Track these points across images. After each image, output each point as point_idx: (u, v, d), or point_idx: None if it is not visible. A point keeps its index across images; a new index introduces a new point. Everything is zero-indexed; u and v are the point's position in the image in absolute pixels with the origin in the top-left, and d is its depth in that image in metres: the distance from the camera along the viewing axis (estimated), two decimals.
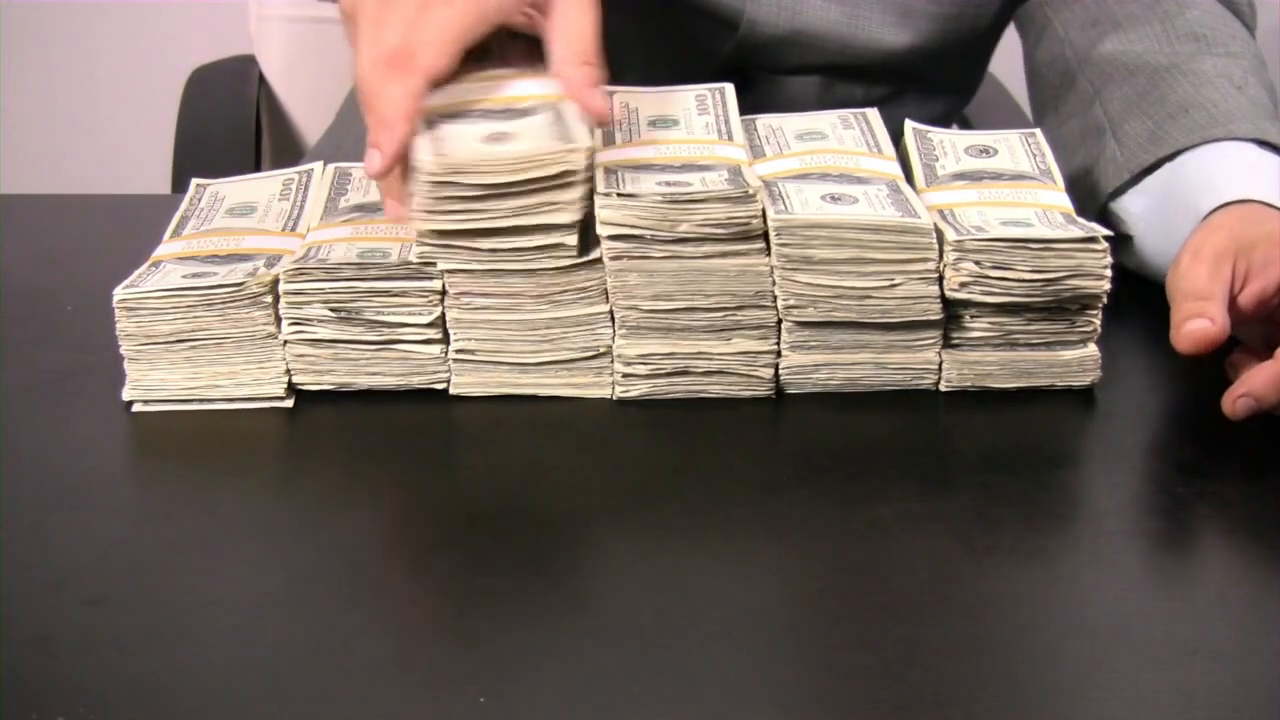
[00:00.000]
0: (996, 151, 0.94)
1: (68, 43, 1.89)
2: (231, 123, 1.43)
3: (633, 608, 0.68)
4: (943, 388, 0.86)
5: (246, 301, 0.83)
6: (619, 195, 0.82)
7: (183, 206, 0.94)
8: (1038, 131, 0.96)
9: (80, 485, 0.78)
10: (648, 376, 0.85)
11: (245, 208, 0.93)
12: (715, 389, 0.85)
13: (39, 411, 0.84)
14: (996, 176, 0.91)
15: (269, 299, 0.83)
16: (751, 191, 0.82)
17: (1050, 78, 1.12)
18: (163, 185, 1.41)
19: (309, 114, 1.51)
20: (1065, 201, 0.89)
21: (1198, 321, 0.83)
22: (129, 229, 1.00)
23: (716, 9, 1.13)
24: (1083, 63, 1.08)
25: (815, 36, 1.14)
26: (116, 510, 0.77)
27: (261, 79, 1.53)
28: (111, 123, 1.95)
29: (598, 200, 0.82)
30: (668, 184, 0.84)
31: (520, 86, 0.87)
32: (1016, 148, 0.94)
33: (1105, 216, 1.00)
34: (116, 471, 0.81)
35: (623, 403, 0.85)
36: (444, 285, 0.84)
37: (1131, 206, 0.99)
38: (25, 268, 1.01)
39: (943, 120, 1.00)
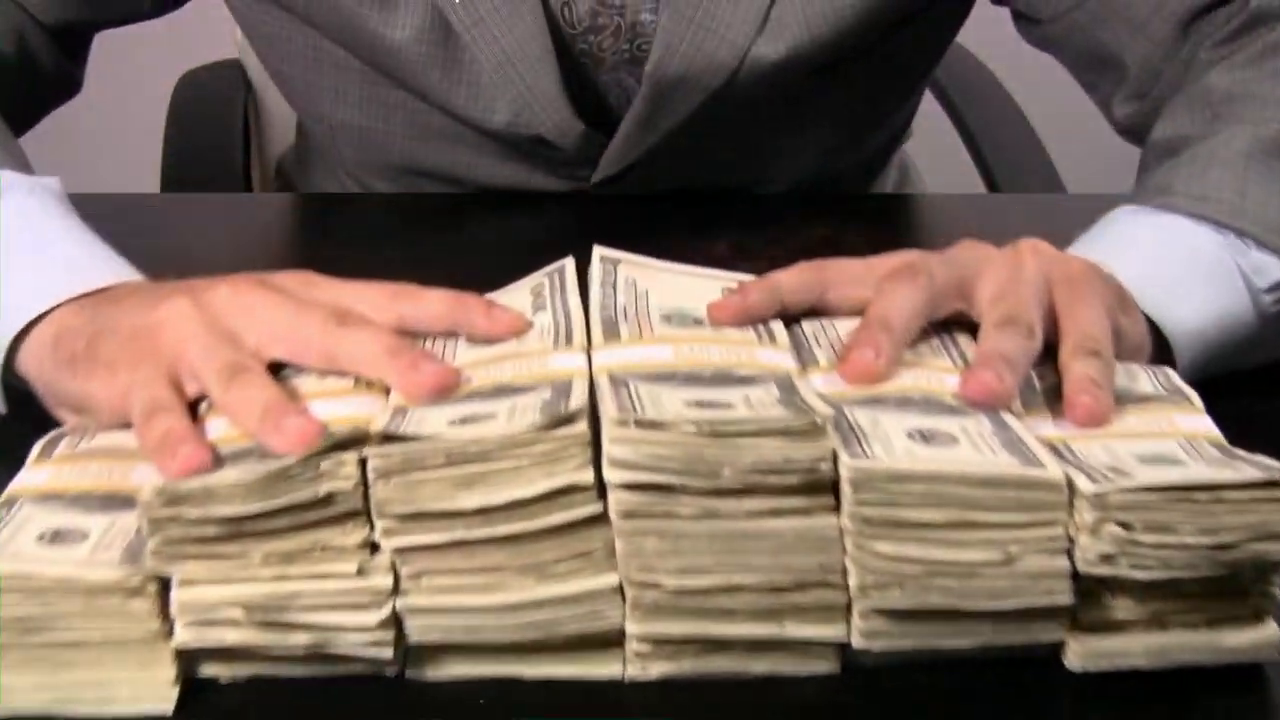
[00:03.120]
0: None
1: None
2: (220, 127, 1.42)
3: None
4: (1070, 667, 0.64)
5: (122, 592, 0.61)
6: (638, 424, 0.60)
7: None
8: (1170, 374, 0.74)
9: None
10: (671, 657, 0.63)
11: None
12: (761, 667, 0.64)
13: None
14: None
15: (153, 587, 0.61)
16: (820, 422, 0.60)
17: None
18: (152, 189, 1.35)
19: (295, 120, 1.41)
20: (1211, 427, 0.67)
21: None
22: (121, 229, 0.88)
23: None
24: None
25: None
26: None
27: (249, 85, 1.49)
28: (100, 126, 1.89)
29: (607, 431, 0.60)
30: (699, 404, 0.62)
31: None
32: (1135, 369, 0.73)
33: None
34: None
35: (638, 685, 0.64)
36: (394, 566, 0.61)
37: None
38: None
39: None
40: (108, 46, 1.08)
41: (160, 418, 0.66)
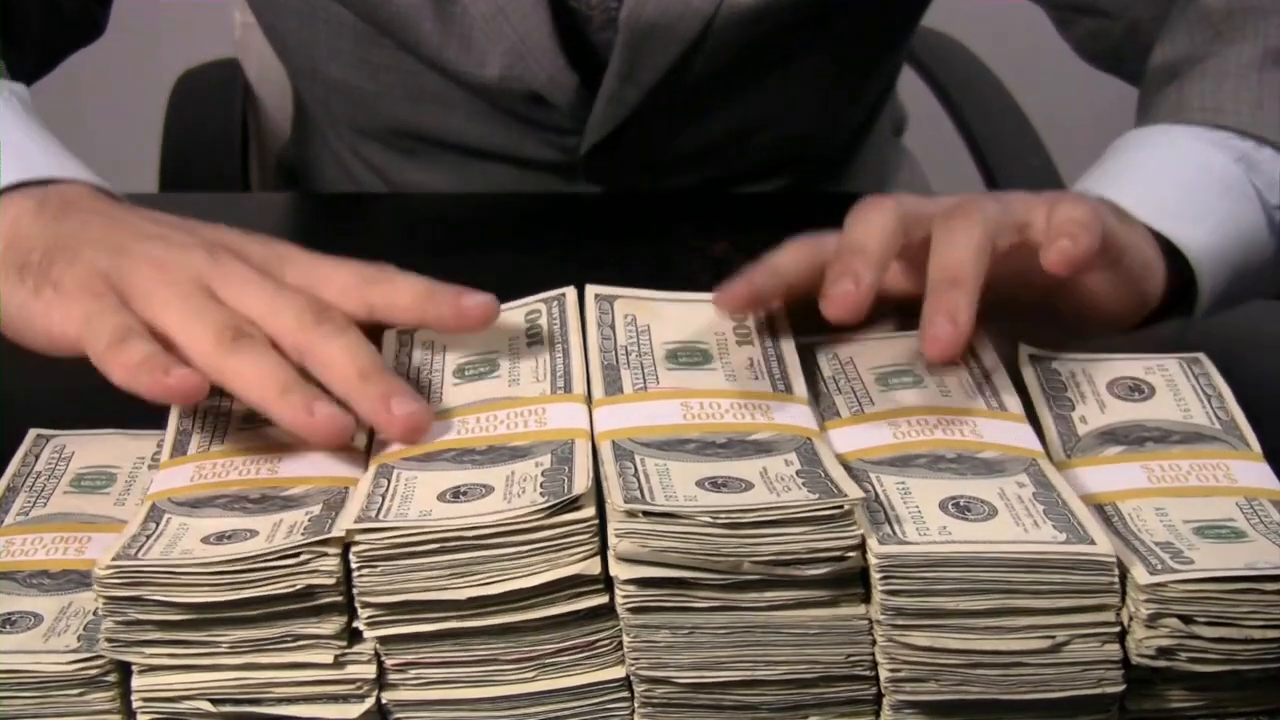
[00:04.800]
0: (1153, 390, 0.66)
1: None
2: (218, 127, 1.40)
3: None
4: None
5: (79, 684, 0.55)
6: (647, 515, 0.54)
7: (12, 467, 0.66)
8: (1202, 357, 0.68)
9: None
10: None
11: (99, 475, 0.65)
12: None
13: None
14: (1163, 438, 0.63)
15: (114, 676, 0.56)
16: (847, 506, 0.55)
17: None
18: (150, 188, 1.33)
19: (292, 116, 1.39)
20: (1272, 480, 0.61)
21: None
22: None
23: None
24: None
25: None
26: None
27: (247, 84, 1.46)
28: (98, 126, 1.86)
29: (613, 523, 0.55)
30: (713, 482, 0.57)
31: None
32: (1179, 381, 0.67)
33: None
34: None
35: None
36: (378, 655, 0.56)
37: None
38: None
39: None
40: (107, 46, 1.05)
41: (135, 343, 0.61)
